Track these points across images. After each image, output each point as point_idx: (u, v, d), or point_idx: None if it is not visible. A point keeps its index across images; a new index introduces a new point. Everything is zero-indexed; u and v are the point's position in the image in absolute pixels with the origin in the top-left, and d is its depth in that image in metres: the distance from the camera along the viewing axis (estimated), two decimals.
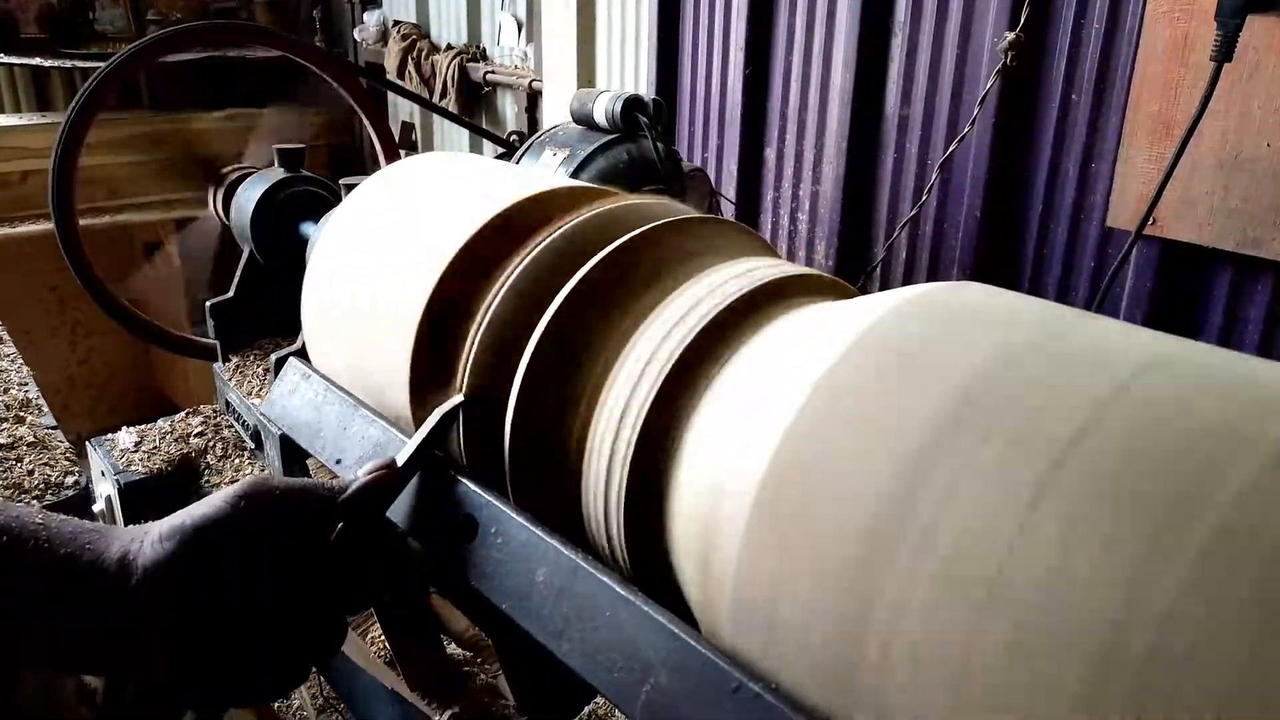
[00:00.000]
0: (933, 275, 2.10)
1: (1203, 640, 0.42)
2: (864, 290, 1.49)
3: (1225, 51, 1.34)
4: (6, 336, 2.01)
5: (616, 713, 1.14)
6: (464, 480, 0.79)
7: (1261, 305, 1.56)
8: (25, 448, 1.52)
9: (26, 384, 1.76)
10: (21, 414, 1.63)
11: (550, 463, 0.79)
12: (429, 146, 4.28)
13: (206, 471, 1.73)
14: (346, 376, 1.00)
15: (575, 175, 1.74)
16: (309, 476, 1.14)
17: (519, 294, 0.82)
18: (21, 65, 4.28)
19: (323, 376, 1.01)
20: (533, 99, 3.50)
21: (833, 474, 0.57)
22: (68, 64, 4.18)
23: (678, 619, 0.62)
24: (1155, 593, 0.44)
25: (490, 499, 0.76)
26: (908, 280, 2.17)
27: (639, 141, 1.78)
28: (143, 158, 3.52)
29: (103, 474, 1.75)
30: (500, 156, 2.29)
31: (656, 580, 0.73)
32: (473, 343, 0.83)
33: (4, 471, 1.44)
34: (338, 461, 0.93)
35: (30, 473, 1.45)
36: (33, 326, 3.57)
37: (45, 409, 1.68)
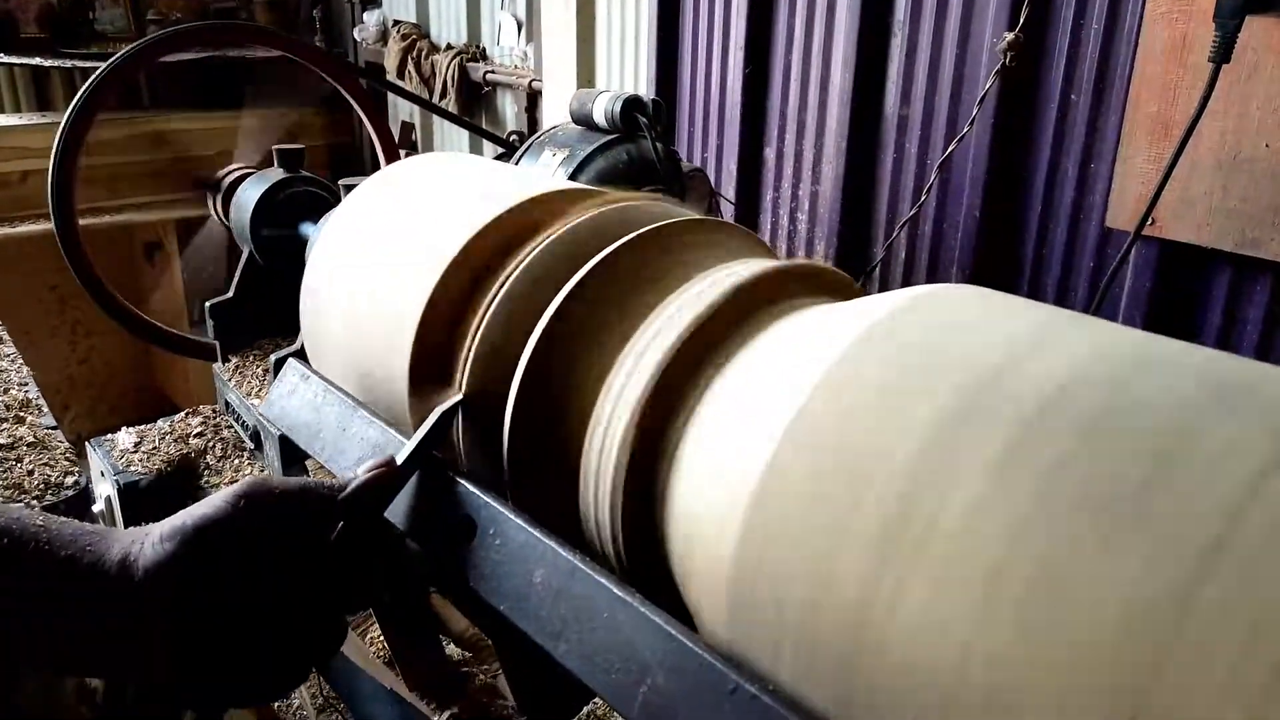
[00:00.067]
0: (932, 275, 2.10)
1: (1205, 638, 0.42)
2: (863, 290, 1.49)
3: (1224, 52, 1.34)
4: (6, 336, 2.01)
5: (613, 715, 1.14)
6: (463, 481, 0.79)
7: (1260, 305, 1.56)
8: (25, 448, 1.52)
9: (26, 384, 1.76)
10: (21, 414, 1.63)
11: (549, 463, 0.79)
12: (429, 146, 4.28)
13: (206, 472, 1.73)
14: (346, 377, 1.00)
15: (575, 175, 1.74)
16: (308, 476, 1.14)
17: (518, 295, 0.83)
18: (21, 65, 4.28)
19: (322, 377, 1.01)
20: (532, 99, 3.50)
21: (830, 475, 0.57)
22: (68, 64, 4.18)
23: (675, 620, 0.62)
24: (1161, 592, 0.44)
25: (489, 500, 0.77)
26: (907, 280, 2.17)
27: (638, 142, 1.78)
28: (138, 158, 3.53)
29: (102, 474, 1.75)
30: (500, 157, 2.29)
31: (654, 581, 0.73)
32: (472, 343, 0.83)
33: (4, 472, 1.44)
34: (337, 462, 0.93)
35: (30, 473, 1.45)
36: (33, 326, 3.57)
37: (45, 409, 1.68)
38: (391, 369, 0.88)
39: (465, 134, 3.94)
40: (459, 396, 0.82)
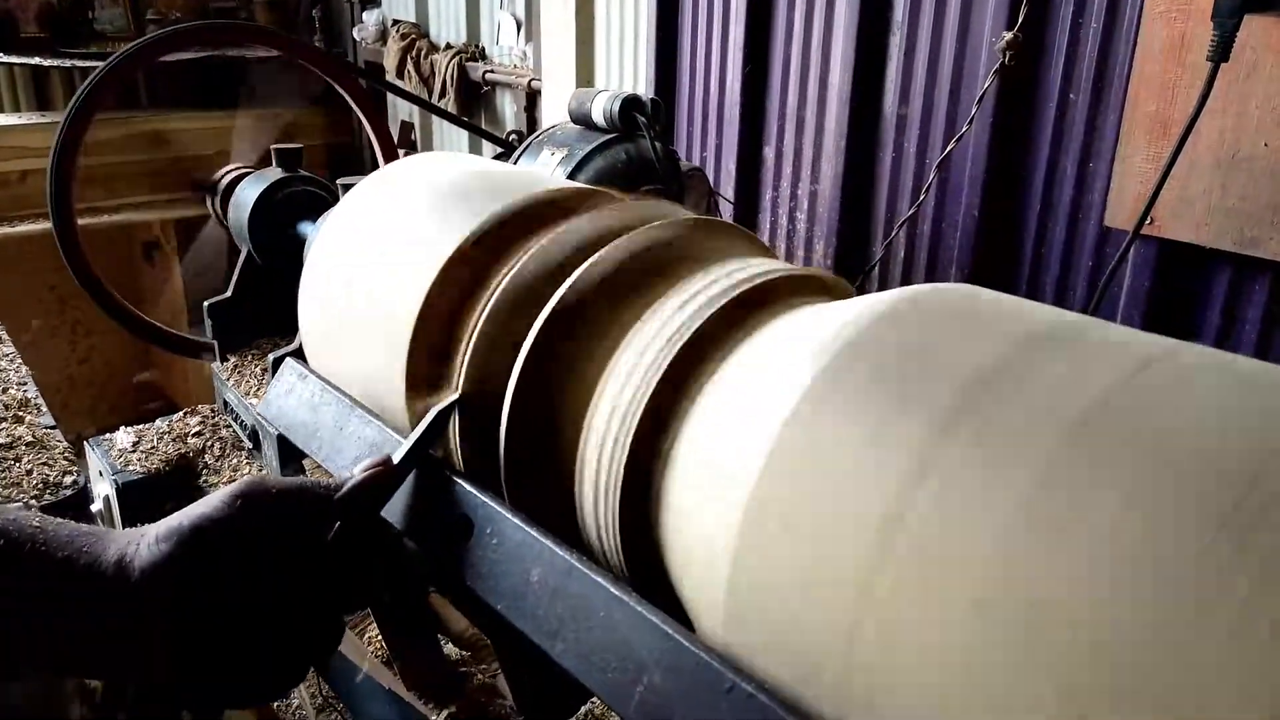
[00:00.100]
0: (931, 274, 2.10)
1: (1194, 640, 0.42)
2: (862, 289, 1.49)
3: (1222, 51, 1.34)
4: (6, 336, 2.01)
5: (611, 714, 1.14)
6: (459, 480, 0.79)
7: (1259, 305, 1.56)
8: (24, 447, 1.52)
9: (25, 383, 1.76)
10: (20, 413, 1.63)
11: (546, 462, 0.79)
12: (428, 146, 4.28)
13: (204, 471, 1.73)
14: (343, 377, 1.00)
15: (573, 175, 1.74)
16: (305, 476, 1.14)
17: (515, 294, 0.82)
18: (21, 64, 4.28)
19: (319, 377, 1.01)
20: (531, 98, 3.50)
21: (827, 474, 0.57)
22: (67, 63, 4.18)
23: (671, 619, 0.62)
24: (1152, 603, 0.44)
25: (485, 499, 0.77)
26: (906, 279, 2.17)
27: (637, 141, 1.78)
28: (137, 158, 3.53)
29: (100, 474, 1.75)
30: (499, 156, 2.29)
31: (651, 581, 0.73)
32: (469, 343, 0.83)
33: (2, 471, 1.44)
34: (334, 461, 0.93)
35: (29, 472, 1.45)
36: (32, 325, 3.57)
37: (44, 408, 1.68)
38: (388, 368, 0.88)
39: (464, 133, 3.94)
40: (456, 395, 0.82)
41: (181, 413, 1.90)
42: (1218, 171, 1.48)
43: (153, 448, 1.76)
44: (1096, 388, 0.53)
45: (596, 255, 0.80)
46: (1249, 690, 0.40)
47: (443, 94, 3.84)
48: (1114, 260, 1.53)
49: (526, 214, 0.89)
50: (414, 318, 0.85)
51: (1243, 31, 1.34)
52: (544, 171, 1.80)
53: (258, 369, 1.83)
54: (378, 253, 0.96)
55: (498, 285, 0.84)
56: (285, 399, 1.03)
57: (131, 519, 1.66)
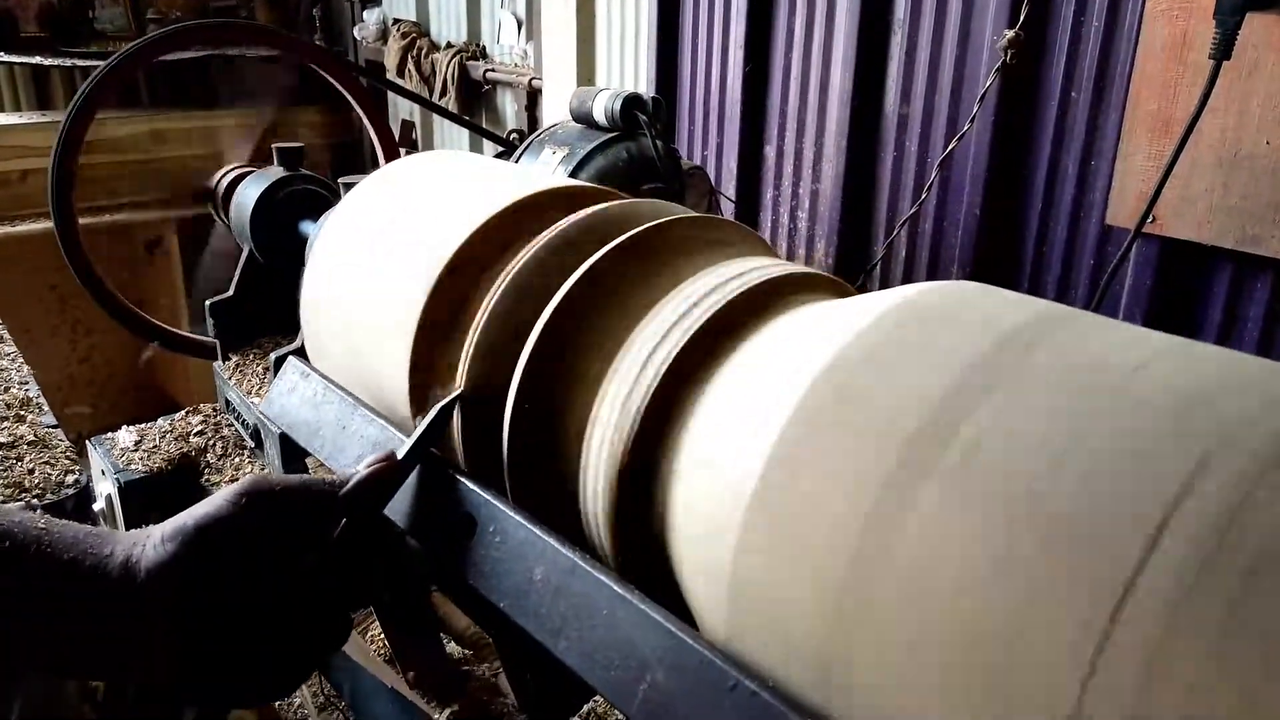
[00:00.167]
0: (932, 273, 2.10)
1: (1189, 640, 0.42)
2: (863, 288, 1.49)
3: (1224, 49, 1.34)
4: (7, 335, 2.01)
5: (614, 712, 1.14)
6: (462, 479, 0.79)
7: (1261, 303, 1.56)
8: (26, 446, 1.52)
9: (27, 383, 1.76)
10: (22, 413, 1.63)
11: (549, 460, 0.79)
12: (429, 145, 4.28)
13: (206, 470, 1.73)
14: (345, 375, 1.00)
15: (574, 173, 1.74)
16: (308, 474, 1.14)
17: (517, 293, 0.83)
18: (21, 64, 4.28)
19: (321, 375, 1.01)
20: (532, 97, 3.50)
21: (828, 471, 0.57)
22: (67, 63, 4.18)
23: (675, 617, 0.62)
24: (1145, 598, 0.44)
25: (488, 497, 0.77)
26: (908, 278, 2.17)
27: (638, 140, 1.78)
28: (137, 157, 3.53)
29: (103, 473, 1.75)
30: (500, 155, 2.29)
31: (654, 578, 0.73)
32: (471, 341, 0.83)
33: (4, 470, 1.44)
34: (337, 460, 0.93)
35: (31, 471, 1.45)
36: (33, 325, 3.57)
37: (46, 408, 1.68)
38: (391, 366, 0.88)
39: (465, 132, 3.94)
40: (459, 390, 0.82)
41: (183, 412, 1.90)
42: (1219, 170, 1.48)
43: (155, 447, 1.76)
44: (1096, 386, 0.53)
45: (598, 254, 0.80)
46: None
47: (443, 93, 3.84)
48: (1116, 259, 1.53)
49: (528, 212, 0.89)
50: (416, 316, 0.85)
51: (1244, 30, 1.34)
52: (545, 170, 1.80)
53: (260, 368, 1.83)
54: (379, 251, 0.96)
55: (500, 283, 0.84)
56: (288, 398, 1.03)
57: (134, 518, 1.66)
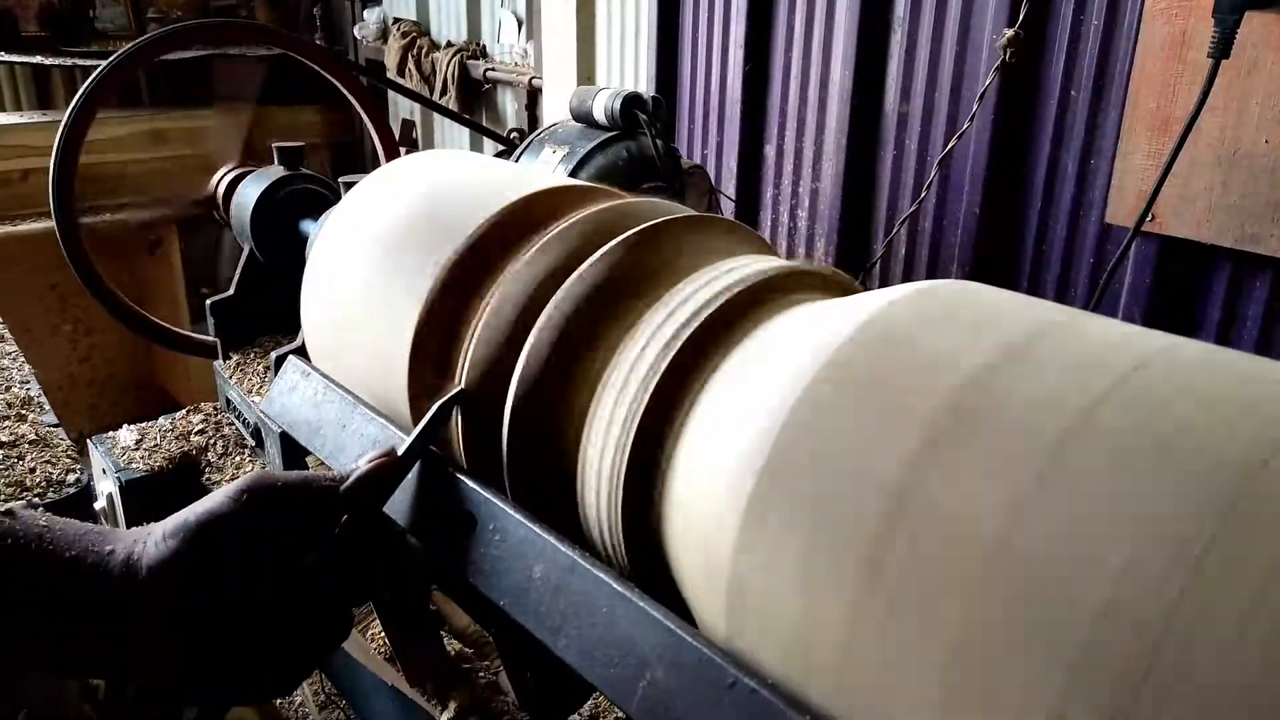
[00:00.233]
0: (932, 272, 2.10)
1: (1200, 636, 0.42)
2: (863, 287, 1.49)
3: (1223, 48, 1.34)
4: (8, 334, 2.02)
5: (611, 712, 1.14)
6: (462, 477, 0.79)
7: (1260, 302, 1.56)
8: (27, 445, 1.52)
9: (28, 382, 1.76)
10: (23, 412, 1.63)
11: (548, 458, 0.79)
12: (429, 144, 4.28)
13: (207, 469, 1.73)
14: (346, 374, 1.00)
15: (574, 173, 1.74)
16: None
17: (518, 291, 0.83)
18: (22, 63, 4.29)
19: (322, 374, 1.02)
20: (533, 96, 3.51)
21: (830, 469, 0.57)
22: (68, 62, 4.19)
23: (674, 615, 0.63)
24: (1153, 601, 0.44)
25: (488, 495, 0.77)
26: (907, 276, 2.17)
27: (638, 139, 1.79)
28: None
29: (104, 472, 1.75)
30: (500, 154, 2.29)
31: (653, 576, 0.73)
32: (472, 339, 0.83)
33: (6, 469, 1.45)
34: (337, 459, 0.93)
35: (32, 470, 1.45)
36: (34, 324, 3.57)
37: (47, 407, 1.69)
38: (391, 365, 0.88)
39: (465, 131, 3.95)
40: (459, 386, 0.82)
41: (184, 411, 1.90)
42: (1219, 168, 1.48)
43: (156, 446, 1.76)
44: (1100, 380, 0.53)
45: (599, 252, 0.80)
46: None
47: (444, 92, 3.84)
48: (1115, 257, 1.53)
49: (528, 211, 0.89)
50: (417, 315, 0.86)
51: (1243, 28, 1.34)
52: (546, 169, 1.80)
53: (260, 367, 1.83)
54: (380, 251, 0.96)
55: (501, 282, 0.84)
56: (288, 397, 1.03)
57: (135, 517, 1.66)
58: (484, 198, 0.91)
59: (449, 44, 3.97)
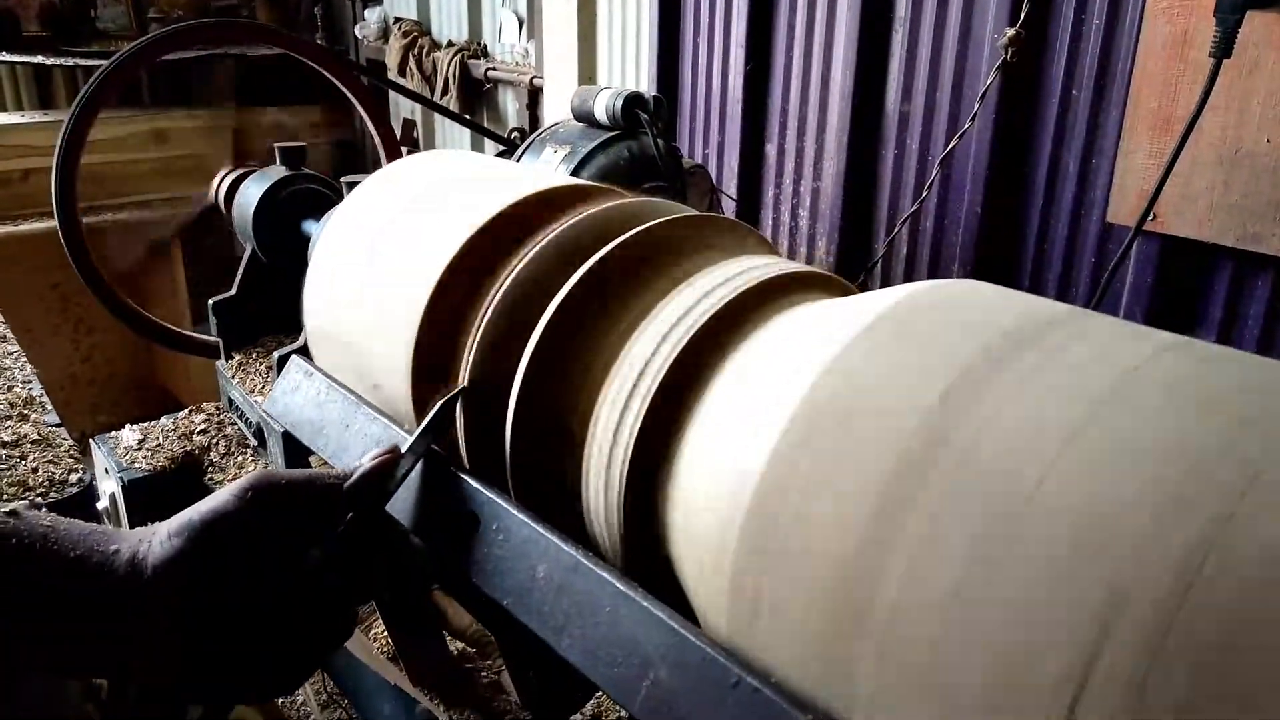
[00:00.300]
0: (933, 271, 2.10)
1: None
2: (864, 286, 1.49)
3: (1225, 47, 1.34)
4: (10, 334, 2.02)
5: (614, 712, 1.14)
6: (466, 477, 0.79)
7: (1262, 301, 1.56)
8: (29, 445, 1.52)
9: (30, 382, 1.76)
10: (25, 411, 1.63)
11: (551, 457, 0.80)
12: (430, 144, 4.28)
13: (210, 469, 1.73)
14: (348, 374, 1.00)
15: (576, 172, 1.74)
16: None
17: (520, 291, 0.83)
18: (23, 63, 4.29)
19: (325, 374, 1.02)
20: (534, 96, 3.51)
21: (827, 474, 0.57)
22: (69, 62, 4.19)
23: (677, 614, 0.63)
24: (1149, 591, 0.44)
25: (491, 495, 0.77)
26: (909, 276, 2.17)
27: (640, 138, 1.78)
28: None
29: (106, 471, 1.76)
30: (501, 154, 2.29)
31: (656, 576, 0.73)
32: (474, 338, 0.84)
33: (9, 469, 1.45)
34: (340, 459, 0.93)
35: (34, 470, 1.45)
36: (35, 324, 3.57)
37: (49, 406, 1.69)
38: (394, 365, 0.89)
39: (467, 131, 3.95)
40: (463, 385, 0.83)
41: (186, 410, 1.90)
42: (1220, 168, 1.48)
43: (158, 445, 1.76)
44: (1113, 366, 0.53)
45: (600, 253, 0.80)
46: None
47: (445, 92, 3.84)
48: (1116, 256, 1.53)
49: (529, 211, 0.89)
50: (419, 315, 0.86)
51: (1245, 28, 1.34)
52: (547, 169, 1.80)
53: (263, 366, 1.83)
54: (382, 250, 0.96)
55: (502, 281, 0.84)
56: (291, 396, 1.04)
57: (137, 517, 1.67)
58: (485, 198, 0.91)
59: (450, 44, 3.97)
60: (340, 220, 1.06)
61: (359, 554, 0.70)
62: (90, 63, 3.92)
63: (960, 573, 0.50)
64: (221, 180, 2.13)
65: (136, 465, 1.72)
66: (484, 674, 1.23)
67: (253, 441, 1.71)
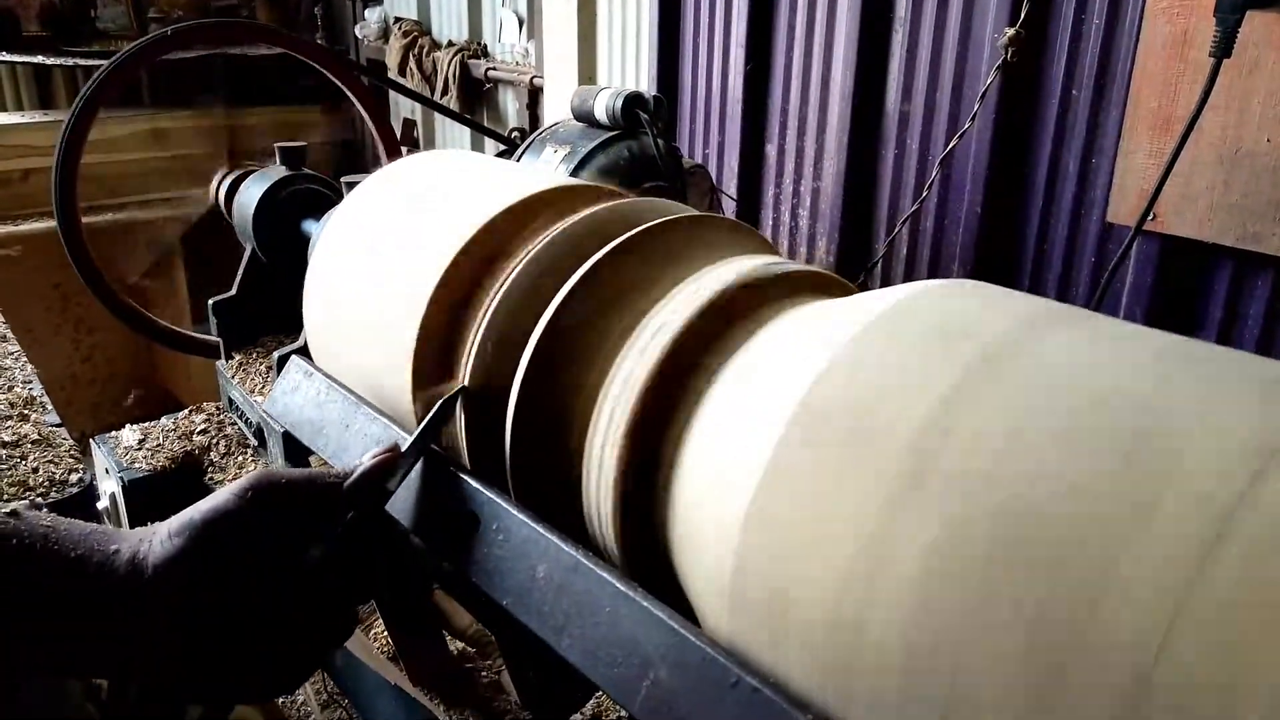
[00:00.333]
0: (933, 271, 2.10)
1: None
2: (864, 286, 1.49)
3: (1225, 47, 1.34)
4: (10, 334, 2.02)
5: (614, 712, 1.14)
6: (466, 477, 0.79)
7: (1261, 301, 1.56)
8: (30, 445, 1.52)
9: (31, 382, 1.76)
10: (26, 411, 1.63)
11: (551, 457, 0.80)
12: (430, 144, 4.28)
13: (210, 469, 1.74)
14: (348, 374, 1.00)
15: (576, 172, 1.74)
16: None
17: (520, 291, 0.83)
18: (24, 63, 4.29)
19: (325, 374, 1.02)
20: (534, 95, 3.50)
21: (828, 473, 0.57)
22: (70, 62, 4.19)
23: (677, 614, 0.63)
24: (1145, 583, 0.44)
25: (491, 495, 0.77)
26: (909, 276, 2.17)
27: (640, 138, 1.78)
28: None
29: (107, 471, 1.76)
30: (501, 153, 2.29)
31: (656, 575, 0.73)
32: (474, 338, 0.84)
33: (9, 469, 1.45)
34: (340, 459, 0.93)
35: (35, 470, 1.45)
36: (36, 324, 3.58)
37: (49, 406, 1.69)
38: (395, 365, 0.89)
39: (467, 131, 3.95)
40: (461, 384, 0.83)
41: (186, 410, 1.90)
42: (1220, 167, 1.48)
43: (158, 445, 1.77)
44: (1113, 367, 0.53)
45: (600, 252, 0.80)
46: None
47: (445, 91, 3.84)
48: (1117, 256, 1.53)
49: (530, 210, 0.89)
50: (420, 315, 0.86)
51: (1245, 27, 1.34)
52: (547, 169, 1.81)
53: (263, 366, 1.83)
54: (382, 250, 0.96)
55: (502, 281, 0.84)
56: (291, 396, 1.04)
57: (138, 517, 1.67)
58: (485, 197, 0.91)
59: (450, 43, 3.97)
60: (340, 220, 1.06)
61: (359, 553, 0.70)
62: (90, 63, 3.92)
63: (961, 573, 0.50)
64: (220, 181, 2.14)
65: (137, 465, 1.73)
66: (484, 674, 1.24)
67: (253, 441, 1.72)
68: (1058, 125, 1.81)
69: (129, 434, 1.81)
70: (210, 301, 1.92)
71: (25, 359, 1.86)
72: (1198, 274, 1.63)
